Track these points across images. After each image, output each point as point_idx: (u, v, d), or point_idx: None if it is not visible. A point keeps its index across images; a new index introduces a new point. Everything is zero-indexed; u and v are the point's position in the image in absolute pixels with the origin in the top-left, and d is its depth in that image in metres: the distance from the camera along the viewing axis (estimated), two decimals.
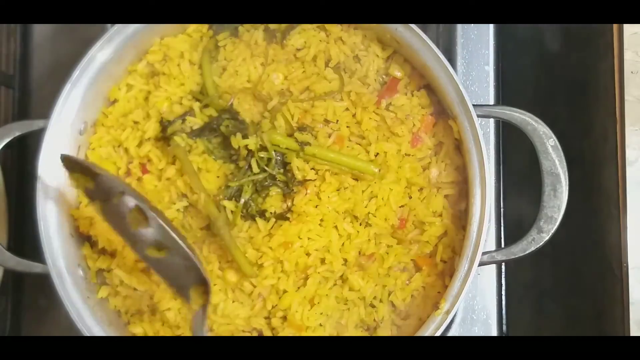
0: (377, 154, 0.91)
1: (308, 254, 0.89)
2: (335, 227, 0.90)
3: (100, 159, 0.93)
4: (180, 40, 0.93)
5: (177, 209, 0.91)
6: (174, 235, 0.80)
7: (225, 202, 0.89)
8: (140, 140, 0.92)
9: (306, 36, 0.93)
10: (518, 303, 1.05)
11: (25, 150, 1.02)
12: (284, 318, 0.90)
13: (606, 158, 0.96)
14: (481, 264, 0.86)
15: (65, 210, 0.91)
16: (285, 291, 0.89)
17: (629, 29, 0.93)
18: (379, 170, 0.89)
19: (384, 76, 0.94)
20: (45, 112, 0.88)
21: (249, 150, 0.89)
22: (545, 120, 0.88)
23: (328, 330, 0.90)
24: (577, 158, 0.92)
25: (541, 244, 0.87)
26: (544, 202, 0.87)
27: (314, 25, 0.94)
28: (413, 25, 0.87)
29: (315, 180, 0.90)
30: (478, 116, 0.86)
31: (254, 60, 0.93)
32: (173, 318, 0.91)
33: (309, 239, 0.90)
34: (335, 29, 0.94)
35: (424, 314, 0.90)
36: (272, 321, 0.90)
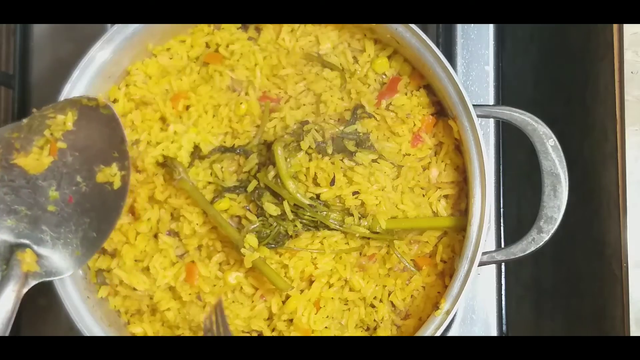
0: (379, 155, 0.91)
1: (315, 264, 0.90)
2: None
3: None
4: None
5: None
6: None
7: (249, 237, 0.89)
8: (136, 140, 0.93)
9: (297, 36, 0.94)
10: (518, 303, 1.05)
11: None
12: (290, 321, 0.90)
13: (606, 158, 0.96)
14: (481, 264, 0.86)
15: None
16: (289, 296, 0.90)
17: (629, 29, 0.93)
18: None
19: (384, 76, 0.94)
20: None
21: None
22: (545, 120, 0.88)
23: (333, 332, 0.90)
24: (577, 158, 0.92)
25: (541, 244, 0.87)
26: (544, 202, 0.87)
27: (312, 25, 0.94)
28: (413, 25, 0.87)
29: None
30: (478, 116, 0.86)
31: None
32: (173, 318, 0.91)
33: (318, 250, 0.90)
34: (334, 29, 0.94)
35: (424, 314, 0.90)
36: (278, 324, 0.90)
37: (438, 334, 0.86)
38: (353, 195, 0.89)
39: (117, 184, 0.87)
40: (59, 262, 0.86)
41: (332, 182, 0.89)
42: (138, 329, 0.92)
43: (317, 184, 0.90)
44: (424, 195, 0.92)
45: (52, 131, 0.86)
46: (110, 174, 0.87)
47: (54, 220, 0.87)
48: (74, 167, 0.87)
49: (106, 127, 0.87)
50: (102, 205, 0.87)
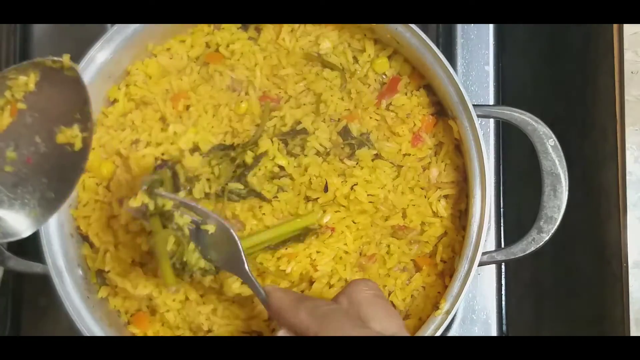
0: (377, 153, 0.92)
1: (314, 266, 0.90)
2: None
3: (100, 158, 0.93)
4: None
5: None
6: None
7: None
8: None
9: (297, 36, 0.94)
10: (518, 303, 1.05)
11: None
12: None
13: (606, 158, 0.96)
14: (481, 264, 0.86)
15: (65, 210, 0.91)
16: None
17: (629, 29, 0.93)
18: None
19: (384, 76, 0.94)
20: None
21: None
22: (545, 120, 0.88)
23: None
24: (577, 158, 0.92)
25: (541, 244, 0.87)
26: (544, 202, 0.87)
27: (312, 25, 0.94)
28: (413, 25, 0.87)
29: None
30: (478, 116, 0.86)
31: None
32: (173, 319, 0.91)
33: (317, 252, 0.90)
34: (334, 29, 0.94)
35: (424, 314, 0.90)
36: (278, 325, 0.90)
37: (438, 334, 0.86)
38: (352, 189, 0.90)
39: (78, 145, 0.86)
40: (17, 223, 0.86)
41: (325, 189, 0.89)
42: (138, 329, 0.92)
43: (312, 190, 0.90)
44: (425, 196, 0.92)
45: (12, 92, 0.85)
46: (71, 135, 0.86)
47: (10, 180, 0.86)
48: (33, 128, 0.86)
49: (69, 89, 0.86)
50: (62, 167, 0.86)
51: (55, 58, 0.85)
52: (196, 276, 0.84)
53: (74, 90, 0.85)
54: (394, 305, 0.92)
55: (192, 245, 0.82)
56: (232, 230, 0.81)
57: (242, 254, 0.80)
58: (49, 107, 0.86)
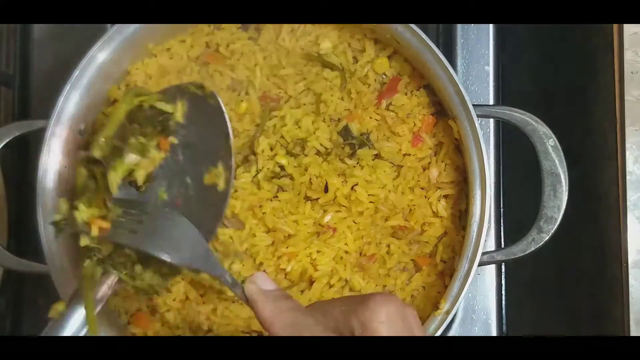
0: (377, 153, 0.92)
1: (314, 266, 0.90)
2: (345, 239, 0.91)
3: None
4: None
5: None
6: None
7: None
8: None
9: (297, 36, 0.94)
10: (518, 303, 1.05)
11: (25, 150, 1.02)
12: None
13: (606, 158, 0.96)
14: (481, 264, 0.86)
15: None
16: None
17: (629, 29, 0.93)
18: None
19: (384, 76, 0.94)
20: (45, 112, 0.88)
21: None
22: (545, 120, 0.88)
23: None
24: (577, 158, 0.92)
25: (541, 244, 0.87)
26: (544, 202, 0.87)
27: (312, 25, 0.94)
28: (413, 25, 0.87)
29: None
30: (478, 116, 0.86)
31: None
32: (173, 318, 0.91)
33: (318, 251, 0.90)
34: (334, 29, 0.94)
35: (424, 314, 0.90)
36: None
37: (438, 334, 0.86)
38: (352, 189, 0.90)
39: (221, 185, 0.78)
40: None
41: (326, 189, 0.89)
42: (138, 329, 0.92)
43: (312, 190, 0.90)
44: (425, 196, 0.92)
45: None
46: (216, 174, 0.78)
47: None
48: (184, 167, 0.78)
49: (213, 119, 0.78)
50: (205, 210, 0.78)
51: (196, 82, 0.79)
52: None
53: (217, 122, 0.78)
54: None
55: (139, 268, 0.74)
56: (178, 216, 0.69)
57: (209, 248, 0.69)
58: (197, 141, 0.78)
